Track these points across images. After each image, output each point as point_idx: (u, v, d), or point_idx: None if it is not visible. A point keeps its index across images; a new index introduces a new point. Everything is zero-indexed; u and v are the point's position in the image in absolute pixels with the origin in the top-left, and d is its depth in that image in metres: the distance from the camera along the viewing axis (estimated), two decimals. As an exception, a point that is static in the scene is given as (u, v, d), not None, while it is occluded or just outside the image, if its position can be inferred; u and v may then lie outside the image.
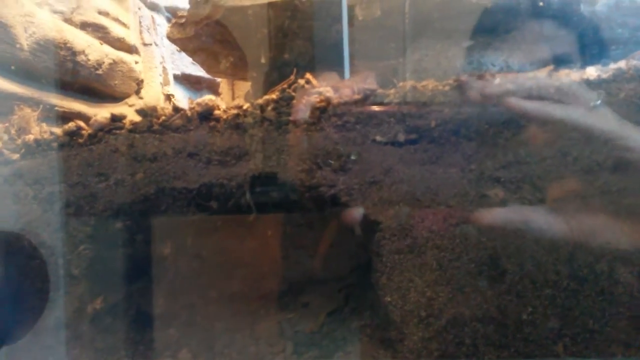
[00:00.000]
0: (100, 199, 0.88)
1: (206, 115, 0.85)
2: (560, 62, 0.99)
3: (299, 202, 0.83)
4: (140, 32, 1.84)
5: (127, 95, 1.70)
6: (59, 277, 0.87)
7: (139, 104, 1.70)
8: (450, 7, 1.04)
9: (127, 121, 0.90)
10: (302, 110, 0.80)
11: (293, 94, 0.82)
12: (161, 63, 1.95)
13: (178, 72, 2.12)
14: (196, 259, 0.99)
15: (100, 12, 1.57)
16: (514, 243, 0.71)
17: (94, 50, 1.49)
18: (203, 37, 1.27)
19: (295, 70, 0.87)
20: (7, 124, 1.02)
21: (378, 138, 0.78)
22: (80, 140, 0.90)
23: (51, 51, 1.34)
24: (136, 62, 1.74)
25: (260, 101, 0.84)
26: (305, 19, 1.12)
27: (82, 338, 0.89)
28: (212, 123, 0.85)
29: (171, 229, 0.97)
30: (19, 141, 0.93)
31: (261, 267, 0.99)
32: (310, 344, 0.90)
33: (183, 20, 1.26)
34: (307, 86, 0.83)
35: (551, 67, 0.78)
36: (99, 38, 1.55)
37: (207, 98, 0.86)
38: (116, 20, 1.65)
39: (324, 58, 1.12)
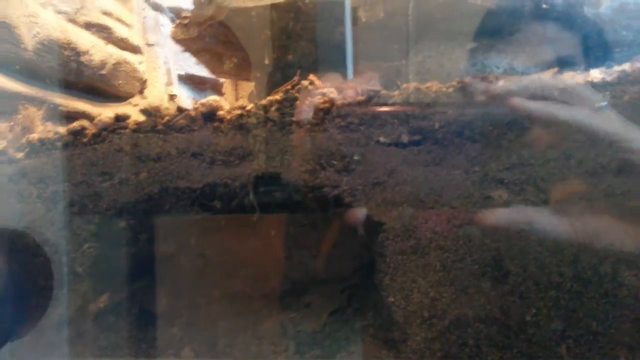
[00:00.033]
0: (104, 198, 0.88)
1: (210, 115, 0.86)
2: (564, 64, 0.99)
3: (302, 203, 0.83)
4: (144, 33, 1.84)
5: (131, 95, 1.70)
6: (62, 276, 0.88)
7: (143, 104, 1.70)
8: (454, 8, 1.04)
9: (131, 121, 0.90)
10: (305, 111, 0.81)
11: (297, 94, 0.82)
12: (165, 63, 1.95)
13: (182, 73, 2.12)
14: (199, 258, 0.99)
15: (104, 13, 1.58)
16: (517, 244, 0.71)
17: (98, 50, 1.49)
18: (207, 37, 1.28)
19: (298, 71, 0.88)
20: (11, 123, 1.02)
21: (382, 139, 0.78)
22: (84, 140, 0.90)
23: (55, 51, 1.34)
24: (140, 62, 1.74)
25: (264, 102, 0.84)
26: (309, 20, 1.13)
27: (85, 336, 0.89)
28: (216, 123, 0.85)
29: (175, 228, 0.97)
30: (24, 140, 0.94)
31: (264, 267, 0.99)
32: (312, 344, 0.90)
33: (187, 21, 1.27)
34: (310, 87, 0.83)
35: (555, 69, 0.78)
36: (103, 38, 1.56)
37: (211, 98, 0.87)
38: (120, 20, 1.65)
39: (328, 59, 1.12)
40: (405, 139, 0.78)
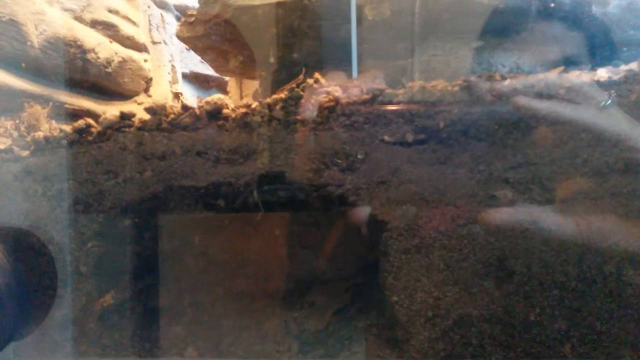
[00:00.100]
0: (109, 196, 0.88)
1: (215, 113, 0.86)
2: (571, 63, 0.99)
3: (307, 201, 0.83)
4: (150, 31, 1.84)
5: (136, 94, 1.70)
6: (67, 274, 0.88)
7: (148, 102, 1.70)
8: (461, 7, 1.03)
9: (136, 119, 0.90)
10: (310, 109, 0.80)
11: (302, 93, 0.82)
12: (170, 61, 1.95)
13: (187, 71, 2.12)
14: (203, 257, 0.99)
15: (110, 11, 1.58)
16: (521, 243, 0.71)
17: (103, 48, 1.50)
18: (212, 36, 1.28)
19: (304, 70, 0.87)
20: (17, 121, 1.02)
21: (386, 138, 0.78)
22: (90, 138, 0.90)
23: (61, 49, 1.34)
24: (145, 61, 1.74)
25: (268, 100, 0.84)
26: (315, 18, 1.12)
27: (89, 334, 0.89)
28: (221, 122, 0.85)
29: (179, 227, 0.97)
30: (29, 138, 0.94)
31: (268, 266, 0.99)
32: (316, 343, 0.90)
33: (192, 19, 1.27)
34: (315, 85, 0.83)
35: (562, 68, 0.78)
36: (109, 36, 1.56)
37: (216, 96, 0.87)
38: (126, 18, 1.65)
39: (333, 58, 1.12)
40: (410, 137, 0.77)
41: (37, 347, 0.87)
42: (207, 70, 2.06)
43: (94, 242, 0.89)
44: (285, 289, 0.98)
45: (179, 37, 1.35)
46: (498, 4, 1.02)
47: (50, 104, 1.20)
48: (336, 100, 0.80)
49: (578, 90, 0.70)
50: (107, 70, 1.52)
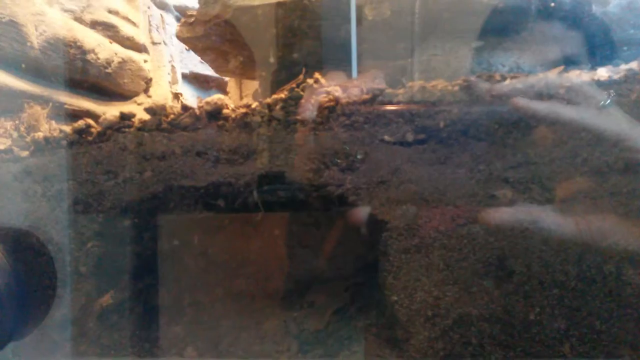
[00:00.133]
0: (109, 196, 0.88)
1: (215, 114, 0.85)
2: (571, 63, 0.99)
3: (307, 201, 0.83)
4: (150, 31, 1.84)
5: (136, 94, 1.70)
6: (66, 274, 0.88)
7: (148, 102, 1.70)
8: (460, 7, 1.03)
9: (136, 119, 0.90)
10: (310, 109, 0.80)
11: (302, 93, 0.82)
12: (170, 62, 1.95)
13: (186, 71, 2.12)
14: (203, 257, 0.99)
15: (110, 11, 1.58)
16: (521, 243, 0.71)
17: (103, 49, 1.50)
18: (212, 36, 1.28)
19: (304, 70, 0.87)
20: (17, 122, 1.02)
21: (386, 138, 0.78)
22: (90, 138, 0.90)
23: (61, 49, 1.35)
24: (145, 61, 1.75)
25: (268, 100, 0.84)
26: (315, 18, 1.12)
27: (89, 334, 0.89)
28: (221, 122, 0.85)
29: (179, 227, 0.97)
30: (29, 139, 0.94)
31: (267, 266, 0.99)
32: (315, 343, 0.90)
33: (192, 19, 1.27)
34: (315, 85, 0.83)
35: (562, 67, 0.78)
36: (109, 37, 1.56)
37: (216, 97, 0.87)
38: (126, 19, 1.66)
39: (333, 58, 1.12)
40: (410, 137, 0.77)
41: (37, 347, 0.87)
42: (206, 70, 2.06)
43: (93, 243, 0.89)
44: (285, 289, 0.98)
45: (178, 37, 1.35)
46: (498, 4, 1.02)
47: (50, 104, 1.20)
48: (336, 100, 0.80)
49: (578, 90, 0.70)
50: (106, 70, 1.52)
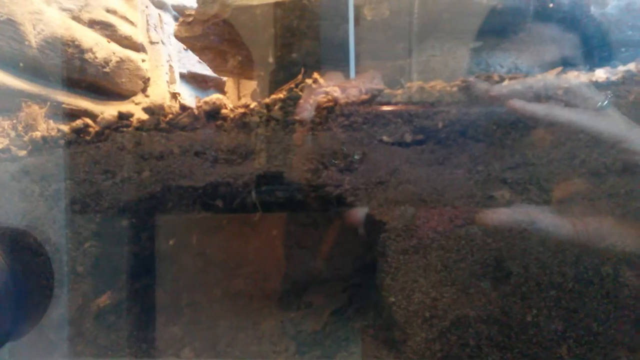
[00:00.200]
0: (107, 196, 0.88)
1: (213, 113, 0.85)
2: (569, 64, 0.99)
3: (305, 202, 0.83)
4: (148, 31, 1.84)
5: (134, 93, 1.70)
6: (63, 274, 0.88)
7: (145, 102, 1.70)
8: (459, 7, 1.03)
9: (134, 119, 0.90)
10: (309, 109, 0.80)
11: (300, 93, 0.82)
12: (168, 61, 1.95)
13: (184, 71, 2.12)
14: (201, 257, 0.99)
15: (108, 10, 1.58)
16: (519, 244, 0.71)
17: (101, 48, 1.49)
18: (210, 36, 1.27)
19: (303, 70, 0.87)
20: (14, 121, 1.02)
21: (385, 138, 0.78)
22: (87, 138, 0.90)
23: (59, 49, 1.34)
24: (143, 60, 1.74)
25: (267, 100, 0.83)
26: (313, 18, 1.12)
27: (86, 335, 0.89)
28: (219, 122, 0.85)
29: (177, 227, 0.97)
30: (26, 138, 0.94)
31: (265, 266, 0.99)
32: (313, 344, 0.90)
33: (191, 19, 1.26)
34: (314, 86, 0.82)
35: (560, 68, 0.78)
36: (107, 36, 1.56)
37: (214, 97, 0.86)
38: (124, 18, 1.65)
39: (332, 58, 1.12)
40: (408, 138, 0.77)
41: (34, 347, 0.87)
42: (204, 70, 2.06)
43: (91, 243, 0.89)
44: (283, 290, 0.98)
45: (177, 37, 1.35)
46: (496, 5, 1.02)
47: (48, 103, 1.19)
48: (335, 101, 0.80)
49: (575, 92, 0.70)
50: (104, 70, 1.51)
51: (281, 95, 0.83)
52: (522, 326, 0.70)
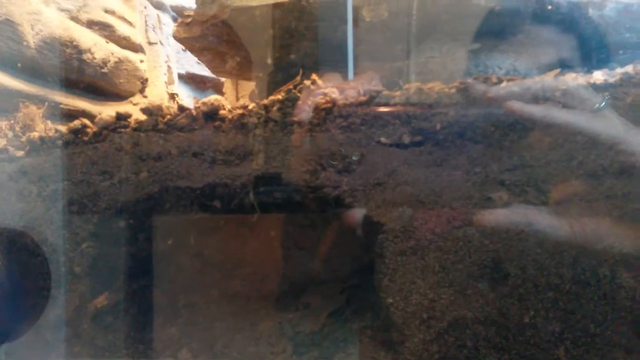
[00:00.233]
0: (104, 197, 0.88)
1: (211, 114, 0.85)
2: (567, 66, 0.99)
3: (303, 203, 0.82)
4: (146, 31, 1.84)
5: (132, 94, 1.70)
6: (61, 275, 0.87)
7: (144, 102, 1.70)
8: (458, 9, 1.04)
9: (132, 120, 0.90)
10: (307, 110, 0.80)
11: (298, 94, 0.82)
12: (166, 62, 1.95)
13: (183, 72, 2.12)
14: (199, 258, 0.99)
15: (106, 11, 1.58)
16: (517, 246, 0.71)
17: (99, 48, 1.49)
18: (209, 37, 1.27)
19: (301, 71, 0.87)
20: (12, 121, 1.02)
21: (383, 140, 0.78)
22: (85, 138, 0.90)
23: (57, 49, 1.34)
24: (141, 61, 1.74)
25: (265, 101, 0.84)
26: (312, 19, 1.12)
27: (83, 336, 0.89)
28: (217, 123, 0.85)
29: (174, 228, 0.97)
30: (24, 138, 0.93)
31: (263, 267, 0.99)
32: (310, 345, 0.90)
33: (189, 19, 1.26)
34: (312, 87, 0.83)
35: (558, 70, 0.78)
36: (105, 36, 1.56)
37: (213, 97, 0.86)
38: (122, 18, 1.65)
39: (331, 59, 1.12)
40: (406, 139, 0.77)
41: (31, 348, 0.87)
42: (203, 71, 2.06)
43: (88, 243, 0.89)
44: (280, 291, 0.98)
45: (175, 37, 1.35)
46: (495, 6, 1.02)
47: (46, 104, 1.19)
48: (333, 102, 0.80)
49: (573, 93, 0.70)
50: (103, 70, 1.51)
51: (279, 97, 0.83)
52: (519, 327, 0.70)
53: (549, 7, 1.02)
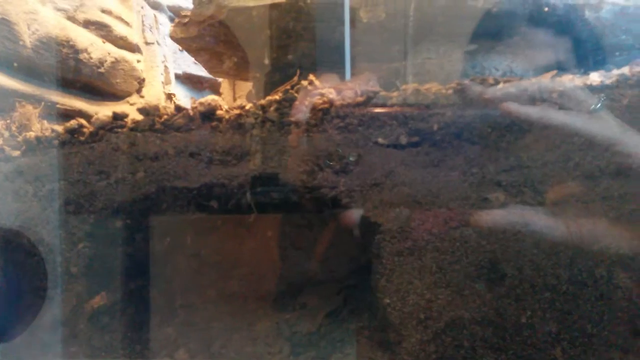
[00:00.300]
0: (101, 197, 0.88)
1: (208, 115, 0.85)
2: (564, 67, 0.99)
3: (300, 203, 0.82)
4: (143, 31, 1.84)
5: (129, 94, 1.70)
6: (57, 275, 0.87)
7: (140, 102, 1.70)
8: (455, 10, 1.04)
9: (128, 120, 0.90)
10: (304, 111, 0.80)
11: (296, 95, 0.82)
12: (163, 62, 1.95)
13: (180, 72, 2.12)
14: (195, 258, 0.99)
15: (103, 11, 1.57)
16: (513, 246, 0.71)
17: (96, 48, 1.49)
18: (206, 37, 1.27)
19: (298, 72, 0.87)
20: (8, 121, 1.02)
21: (380, 140, 0.78)
22: (82, 138, 0.89)
23: (54, 49, 1.34)
24: (138, 61, 1.74)
25: (262, 102, 0.84)
26: (309, 20, 1.12)
27: (79, 336, 0.88)
28: (214, 123, 0.85)
29: (171, 228, 0.97)
30: (20, 138, 0.93)
31: (260, 267, 0.99)
32: (307, 345, 0.90)
33: (186, 20, 1.26)
34: (310, 87, 0.83)
35: (555, 72, 0.78)
36: (102, 36, 1.55)
37: (210, 98, 0.86)
38: (119, 18, 1.65)
39: (328, 60, 1.12)
40: (403, 140, 0.77)
41: (27, 348, 0.87)
42: (200, 71, 2.06)
43: (85, 243, 0.89)
44: (278, 291, 0.98)
45: (172, 38, 1.34)
46: (492, 8, 1.02)
47: (42, 103, 1.19)
48: (330, 102, 0.80)
49: (569, 95, 0.70)
50: (99, 70, 1.51)
51: (277, 97, 0.83)
52: (516, 328, 0.70)
53: (546, 9, 1.02)
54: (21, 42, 1.23)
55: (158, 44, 1.91)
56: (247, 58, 1.31)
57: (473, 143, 0.75)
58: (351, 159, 0.78)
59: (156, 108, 0.89)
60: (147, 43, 1.85)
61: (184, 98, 2.04)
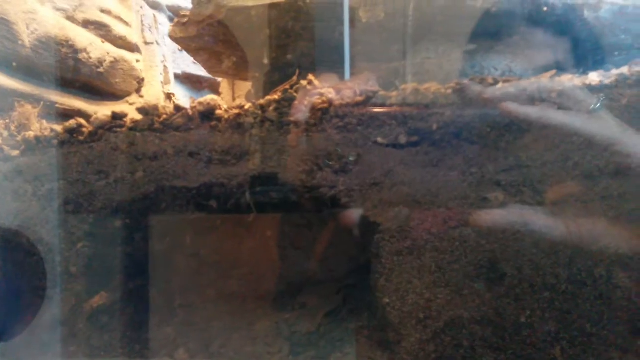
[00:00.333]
0: (100, 196, 0.88)
1: (208, 114, 0.85)
2: (563, 67, 0.99)
3: (299, 203, 0.83)
4: (142, 31, 1.84)
5: (128, 94, 1.70)
6: (56, 275, 0.87)
7: (140, 102, 1.69)
8: (454, 10, 1.04)
9: (128, 119, 0.90)
10: (303, 111, 0.80)
11: (295, 94, 0.82)
12: (162, 62, 1.94)
13: (179, 72, 2.12)
14: (195, 258, 0.99)
15: (102, 10, 1.57)
16: (513, 246, 0.71)
17: (95, 48, 1.49)
18: (205, 37, 1.27)
19: (297, 71, 0.87)
20: (7, 121, 1.02)
21: (379, 140, 0.78)
22: (81, 138, 0.89)
23: (53, 48, 1.34)
24: (137, 61, 1.74)
25: (262, 101, 0.84)
26: (309, 20, 1.12)
27: (79, 336, 0.88)
28: (214, 122, 0.85)
29: (170, 227, 0.97)
30: (19, 138, 0.93)
31: (260, 267, 0.99)
32: (307, 345, 0.90)
33: (185, 19, 1.26)
34: (309, 87, 0.83)
35: (554, 72, 0.78)
36: (101, 36, 1.55)
37: (209, 97, 0.86)
38: (118, 18, 1.65)
39: (327, 59, 1.12)
40: (402, 140, 0.77)
41: (26, 348, 0.87)
42: (199, 71, 2.05)
43: (84, 243, 0.89)
44: (277, 291, 0.98)
45: (171, 37, 1.34)
46: (491, 8, 1.02)
47: (41, 103, 1.19)
48: (329, 102, 0.80)
49: (568, 94, 0.70)
50: (98, 70, 1.51)
51: (276, 97, 0.83)
52: (515, 327, 0.70)
53: (545, 9, 1.02)
54: (20, 42, 1.23)
55: (157, 43, 1.91)
56: (246, 58, 1.31)
57: (472, 143, 0.75)
58: (350, 158, 0.78)
59: (155, 108, 0.89)
60: (146, 43, 1.85)
61: (183, 98, 2.04)
